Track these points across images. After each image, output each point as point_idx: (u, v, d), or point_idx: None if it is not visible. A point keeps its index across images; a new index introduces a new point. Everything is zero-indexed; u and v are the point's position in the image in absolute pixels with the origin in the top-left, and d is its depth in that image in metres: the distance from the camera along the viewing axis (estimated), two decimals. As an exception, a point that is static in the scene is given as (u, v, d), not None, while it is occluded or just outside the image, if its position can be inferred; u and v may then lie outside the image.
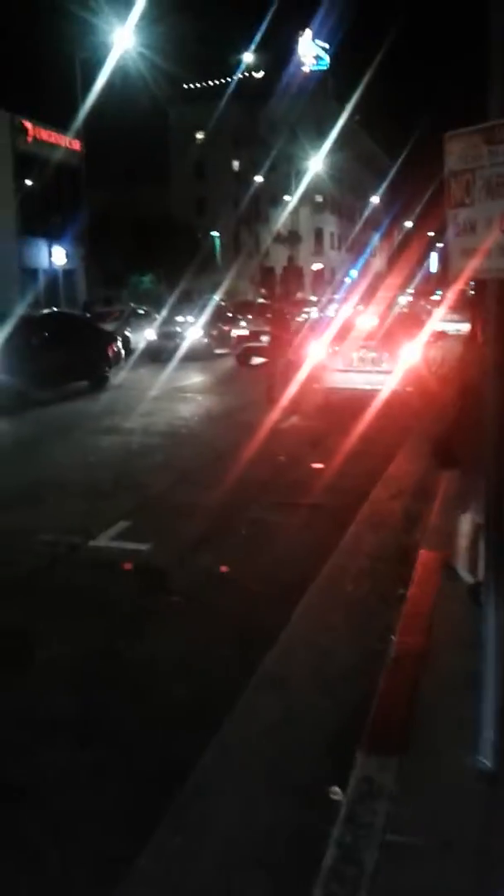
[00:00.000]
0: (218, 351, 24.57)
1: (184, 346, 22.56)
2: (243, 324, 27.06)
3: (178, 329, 24.54)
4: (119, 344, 18.79)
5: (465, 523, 4.69)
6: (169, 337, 23.87)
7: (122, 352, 18.91)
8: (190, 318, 25.42)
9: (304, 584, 5.42)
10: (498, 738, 3.12)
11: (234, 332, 25.67)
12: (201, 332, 24.13)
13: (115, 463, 9.69)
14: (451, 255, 2.90)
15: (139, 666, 4.48)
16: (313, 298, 44.14)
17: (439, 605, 4.75)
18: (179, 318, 26.14)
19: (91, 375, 16.80)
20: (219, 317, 26.82)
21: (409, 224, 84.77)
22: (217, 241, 64.18)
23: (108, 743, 3.72)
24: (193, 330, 24.13)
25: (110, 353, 17.70)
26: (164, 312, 27.13)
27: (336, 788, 3.16)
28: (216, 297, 39.87)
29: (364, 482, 8.06)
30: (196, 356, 22.60)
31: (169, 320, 26.11)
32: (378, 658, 4.31)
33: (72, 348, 15.79)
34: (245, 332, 24.21)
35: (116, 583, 5.76)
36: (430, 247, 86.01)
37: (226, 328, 26.56)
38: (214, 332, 25.08)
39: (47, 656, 4.58)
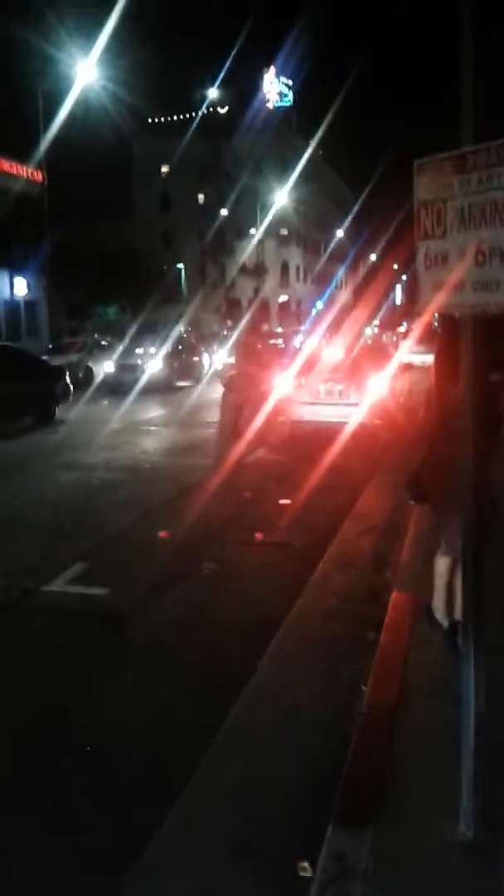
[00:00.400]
0: (180, 383, 24.14)
1: (144, 378, 22.22)
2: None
3: (139, 361, 23.96)
4: (68, 379, 17.93)
5: (441, 564, 4.56)
6: (128, 369, 23.39)
7: (71, 387, 18.00)
8: (151, 350, 24.86)
9: (272, 628, 5.18)
10: (478, 806, 2.90)
11: (222, 362, 25.71)
12: (161, 364, 23.66)
13: (74, 500, 9.36)
14: (422, 288, 2.73)
15: (93, 725, 4.17)
16: (279, 330, 44.11)
17: (412, 652, 4.53)
18: (139, 350, 25.39)
19: (35, 411, 16.20)
20: (181, 348, 26.26)
21: (373, 257, 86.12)
22: (182, 273, 64.39)
23: (55, 816, 3.41)
24: (154, 362, 23.68)
25: (58, 389, 17.04)
26: (124, 344, 26.49)
27: (305, 864, 2.91)
28: (182, 328, 39.86)
29: (332, 518, 7.87)
30: (157, 388, 22.22)
31: (129, 352, 25.43)
32: (350, 710, 4.08)
33: (13, 383, 15.15)
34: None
35: (71, 631, 5.43)
36: (394, 279, 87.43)
37: (195, 359, 26.31)
38: (176, 364, 24.61)
39: (-10, 715, 4.26)
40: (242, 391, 9.34)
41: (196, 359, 26.80)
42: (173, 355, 24.59)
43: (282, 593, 5.94)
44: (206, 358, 27.47)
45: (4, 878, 3.05)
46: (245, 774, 3.55)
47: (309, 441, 12.27)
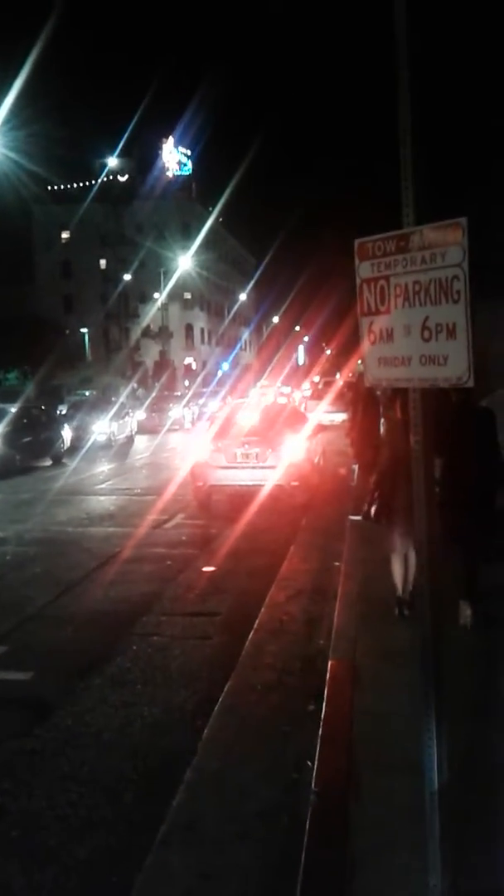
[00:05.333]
0: (30, 463, 19.82)
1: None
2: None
3: None
4: None
5: (396, 563, 6.18)
6: None
7: None
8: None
9: (208, 707, 5.02)
10: (447, 885, 2.81)
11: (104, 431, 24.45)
12: None
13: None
14: (368, 364, 2.75)
15: (19, 827, 3.86)
16: (177, 394, 43.67)
17: (356, 722, 4.45)
18: None
19: None
20: (27, 421, 20.47)
21: (276, 319, 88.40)
22: (86, 338, 64.11)
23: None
24: None
25: None
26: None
27: None
28: (87, 393, 39.33)
29: (259, 584, 7.78)
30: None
31: None
32: (298, 790, 3.95)
33: None
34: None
35: (-7, 722, 5.09)
36: (297, 340, 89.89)
37: (47, 434, 21.22)
38: (23, 440, 19.54)
39: None
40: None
41: (47, 434, 21.18)
42: (16, 432, 19.23)
43: (215, 667, 5.78)
44: (65, 431, 22.45)
45: None
46: (194, 870, 3.36)
47: (228, 505, 12.23)
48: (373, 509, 6.29)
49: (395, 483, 5.84)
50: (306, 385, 51.50)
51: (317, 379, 45.29)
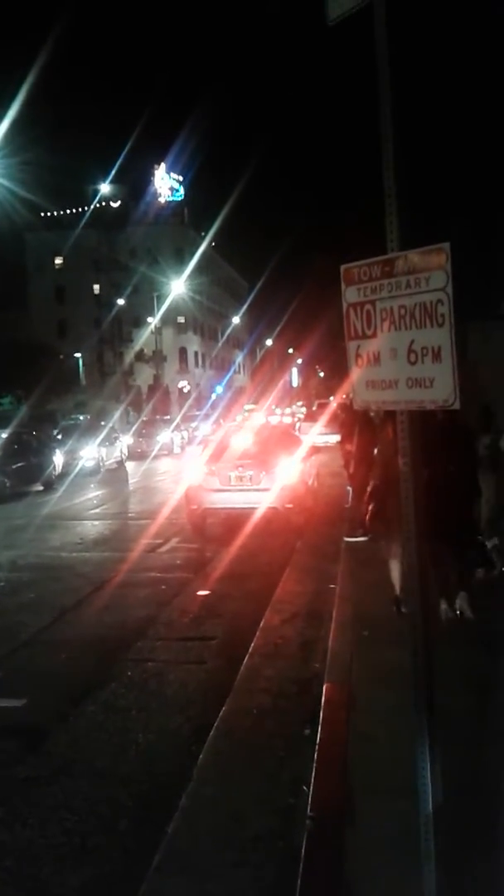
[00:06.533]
0: (20, 489, 19.34)
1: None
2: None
3: None
4: None
5: (394, 566, 6.57)
6: None
7: None
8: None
9: (203, 732, 4.99)
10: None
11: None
12: None
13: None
14: (356, 387, 2.78)
15: (11, 856, 3.81)
16: (167, 418, 42.90)
17: (352, 746, 4.43)
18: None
19: None
20: (17, 447, 20.32)
21: (269, 342, 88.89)
22: (80, 362, 64.20)
23: None
24: None
25: None
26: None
27: None
28: (81, 417, 39.28)
29: (253, 607, 7.76)
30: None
31: None
32: (293, 815, 3.92)
33: None
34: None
35: (-13, 750, 5.04)
36: (290, 363, 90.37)
37: (37, 459, 20.92)
38: (12, 467, 19.35)
39: None
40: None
41: (38, 459, 20.96)
42: (6, 457, 19.19)
43: (210, 692, 5.75)
44: (57, 456, 22.31)
45: None
46: (191, 898, 3.32)
47: (222, 528, 12.22)
48: (367, 518, 7.03)
49: (386, 493, 6.35)
50: (299, 407, 51.69)
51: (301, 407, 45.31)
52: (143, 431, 36.05)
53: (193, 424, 41.61)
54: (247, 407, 49.77)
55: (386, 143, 2.50)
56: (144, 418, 42.73)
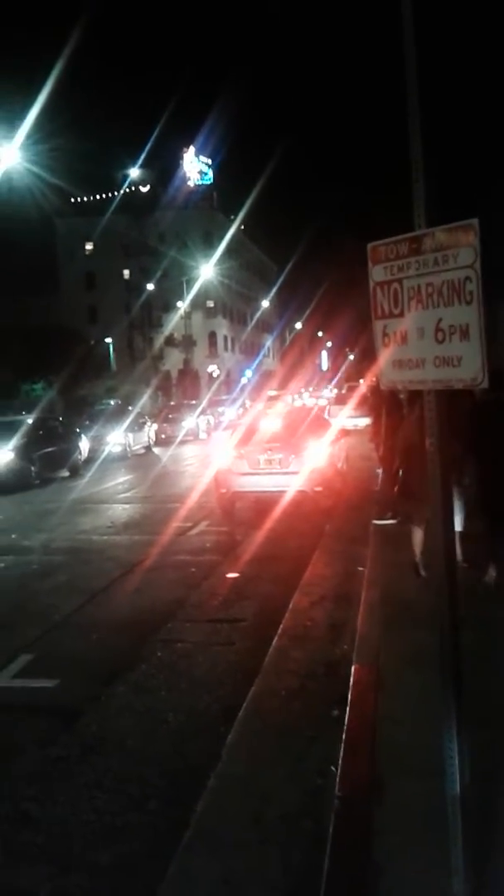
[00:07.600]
0: (47, 475, 19.22)
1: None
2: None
3: None
4: None
5: (417, 533, 7.18)
6: None
7: None
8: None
9: (231, 712, 5.01)
10: (471, 891, 2.79)
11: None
12: (11, 456, 18.14)
13: (9, 588, 8.98)
14: (383, 367, 2.75)
15: (48, 832, 3.89)
16: (192, 403, 41.75)
17: (380, 727, 4.42)
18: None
19: None
20: (42, 433, 19.98)
21: (298, 325, 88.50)
22: (110, 348, 64.57)
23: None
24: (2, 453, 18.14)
25: None
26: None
27: None
28: (112, 402, 39.48)
29: (282, 590, 7.77)
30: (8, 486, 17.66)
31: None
32: (322, 796, 3.93)
33: None
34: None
35: (20, 729, 5.12)
36: (320, 346, 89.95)
37: (65, 445, 20.95)
38: (38, 453, 19.10)
39: None
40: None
41: (65, 445, 20.93)
42: (32, 443, 18.86)
43: (239, 673, 5.78)
44: (83, 442, 22.23)
45: None
46: (218, 877, 3.35)
47: (251, 511, 12.24)
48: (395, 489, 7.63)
49: (409, 466, 6.89)
50: (330, 390, 51.35)
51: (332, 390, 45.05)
52: (169, 416, 35.20)
53: (220, 409, 41.17)
54: (270, 393, 49.52)
55: (413, 117, 2.46)
56: (172, 403, 42.50)
